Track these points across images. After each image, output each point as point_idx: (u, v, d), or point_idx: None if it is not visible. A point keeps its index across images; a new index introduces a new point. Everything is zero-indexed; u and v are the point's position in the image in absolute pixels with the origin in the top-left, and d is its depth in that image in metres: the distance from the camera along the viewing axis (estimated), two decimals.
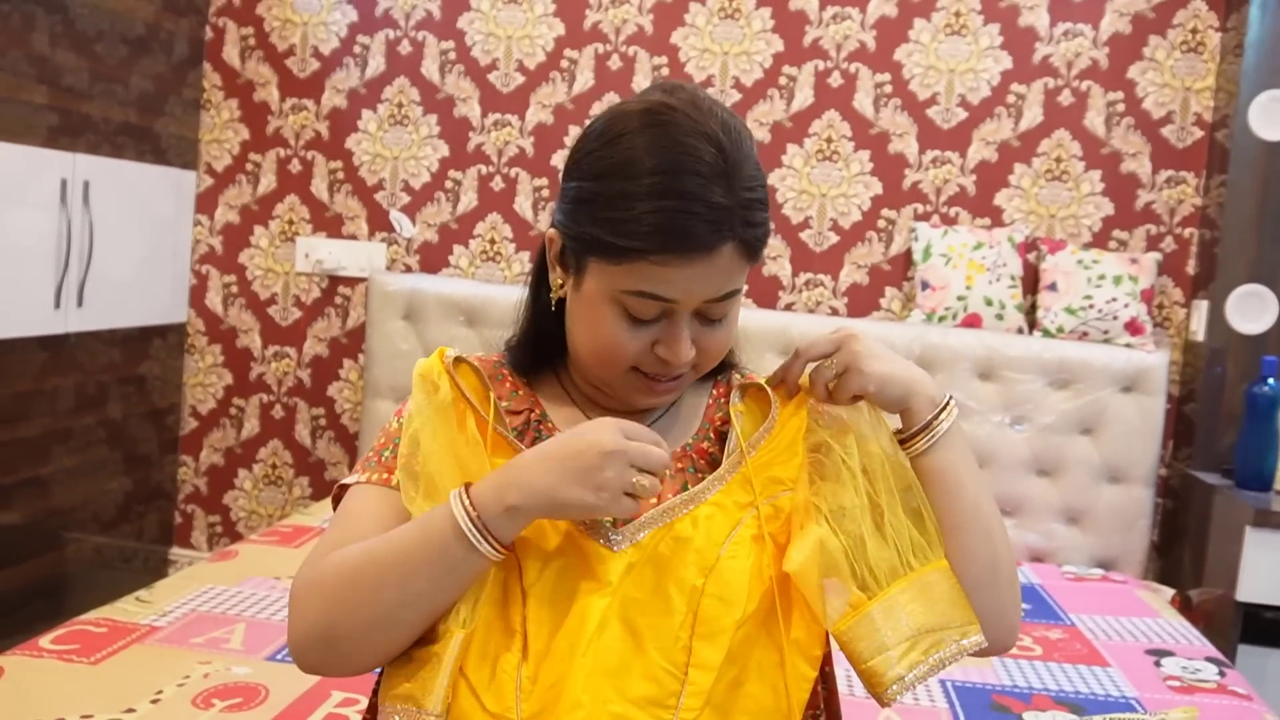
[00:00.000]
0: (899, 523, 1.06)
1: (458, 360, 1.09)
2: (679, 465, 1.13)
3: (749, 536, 1.06)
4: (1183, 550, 3.16)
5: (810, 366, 1.11)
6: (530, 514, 0.98)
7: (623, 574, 1.03)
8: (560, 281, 1.10)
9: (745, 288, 1.10)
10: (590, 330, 1.07)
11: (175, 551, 3.72)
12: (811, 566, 1.03)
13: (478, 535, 0.96)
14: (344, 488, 1.12)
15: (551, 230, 1.10)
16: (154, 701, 1.79)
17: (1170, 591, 3.00)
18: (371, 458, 1.12)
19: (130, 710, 1.75)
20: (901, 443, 1.08)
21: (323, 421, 3.66)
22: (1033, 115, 3.33)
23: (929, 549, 1.06)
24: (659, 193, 0.98)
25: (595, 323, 1.05)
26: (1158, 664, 2.34)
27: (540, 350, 1.17)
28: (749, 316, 3.30)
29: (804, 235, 3.43)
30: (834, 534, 1.03)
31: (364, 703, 1.68)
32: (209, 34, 3.62)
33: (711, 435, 1.17)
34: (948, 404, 1.08)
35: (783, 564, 1.05)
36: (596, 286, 1.04)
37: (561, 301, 1.11)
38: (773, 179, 3.42)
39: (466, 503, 0.97)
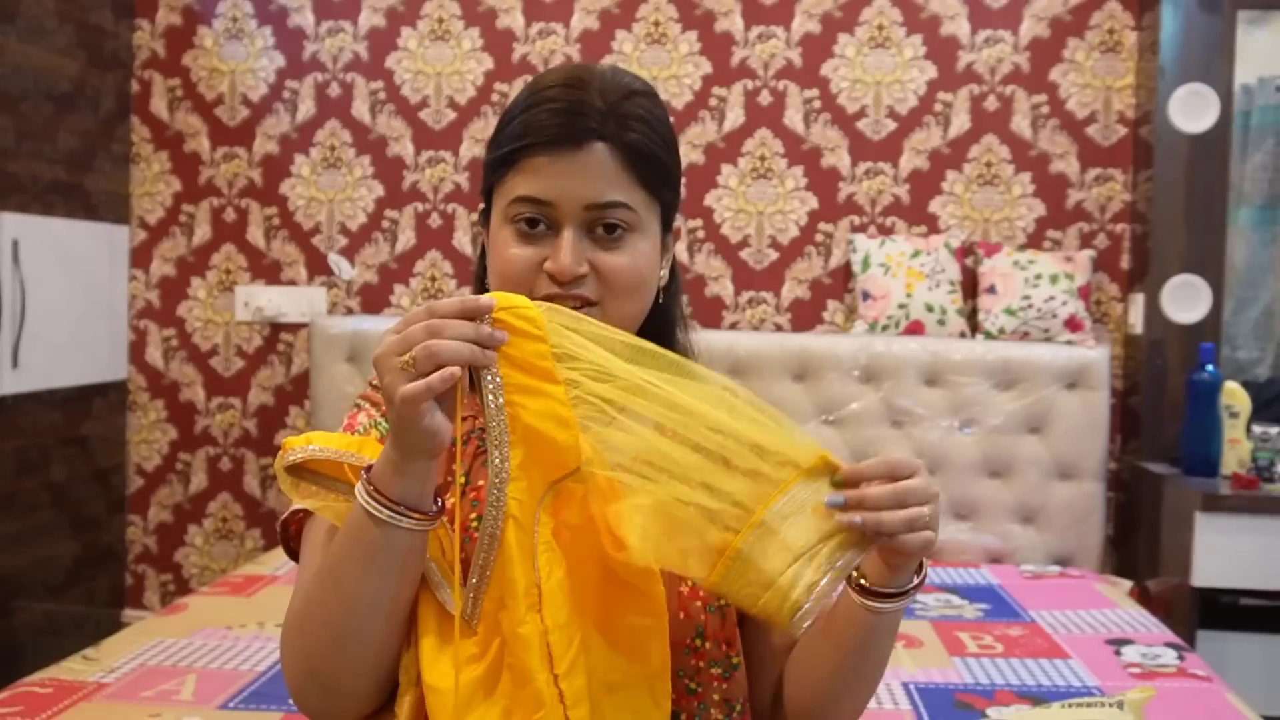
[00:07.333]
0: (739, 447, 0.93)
1: None
2: None
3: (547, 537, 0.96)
4: (1137, 541, 3.19)
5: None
6: (401, 457, 0.91)
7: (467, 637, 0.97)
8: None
9: (670, 234, 1.12)
10: (494, 263, 1.08)
11: (128, 613, 3.64)
12: (653, 535, 0.92)
13: (370, 500, 0.91)
14: (295, 515, 1.07)
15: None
16: None
17: (1128, 583, 3.02)
18: None
19: None
20: (867, 593, 0.99)
21: (272, 471, 3.60)
22: (960, 122, 3.38)
23: (781, 458, 0.93)
24: (528, 104, 1.06)
25: (496, 252, 1.07)
26: (1118, 653, 2.35)
27: None
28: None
29: (744, 254, 3.45)
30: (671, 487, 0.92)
31: None
32: (135, 87, 3.59)
33: None
34: (923, 567, 1.01)
35: (614, 554, 0.94)
36: (496, 218, 1.08)
37: None
38: (709, 200, 3.44)
39: (364, 478, 0.93)
